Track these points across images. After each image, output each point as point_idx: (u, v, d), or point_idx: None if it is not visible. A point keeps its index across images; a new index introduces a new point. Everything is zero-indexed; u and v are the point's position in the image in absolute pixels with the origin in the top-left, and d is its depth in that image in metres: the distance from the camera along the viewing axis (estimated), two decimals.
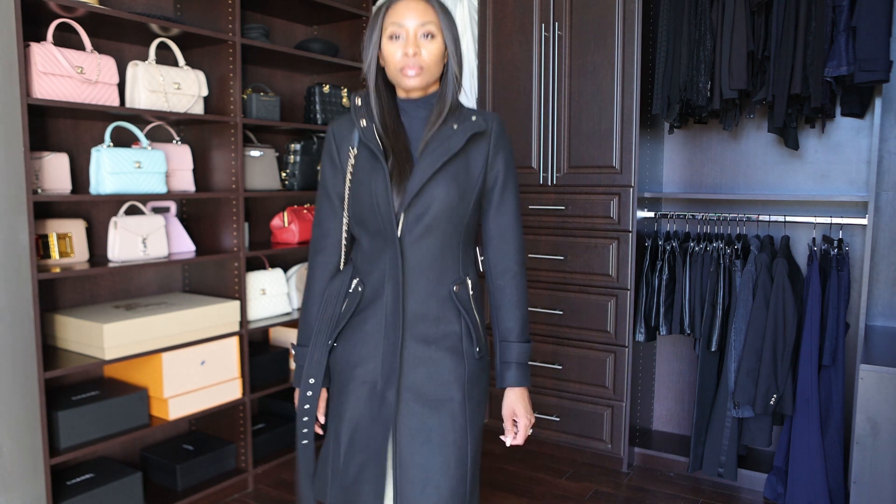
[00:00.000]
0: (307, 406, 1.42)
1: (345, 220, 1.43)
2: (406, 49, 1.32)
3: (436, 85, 1.41)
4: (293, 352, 1.49)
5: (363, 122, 1.37)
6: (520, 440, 1.44)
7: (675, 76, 2.70)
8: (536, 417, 3.06)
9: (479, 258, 1.49)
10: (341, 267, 1.46)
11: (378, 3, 1.42)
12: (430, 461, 1.34)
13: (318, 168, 3.02)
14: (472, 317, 1.39)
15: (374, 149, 1.34)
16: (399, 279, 1.34)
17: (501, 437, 1.46)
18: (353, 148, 1.39)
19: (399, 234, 1.33)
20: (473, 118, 1.38)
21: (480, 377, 1.42)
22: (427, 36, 1.33)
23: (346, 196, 1.40)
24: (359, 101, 1.41)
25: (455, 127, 1.36)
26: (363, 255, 1.41)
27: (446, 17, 1.37)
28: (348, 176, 1.39)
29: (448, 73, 1.38)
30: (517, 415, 1.43)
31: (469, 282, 1.40)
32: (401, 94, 1.41)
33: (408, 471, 1.34)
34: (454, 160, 1.35)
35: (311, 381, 1.42)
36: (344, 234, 1.44)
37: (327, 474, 1.43)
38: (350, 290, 1.41)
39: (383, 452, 1.36)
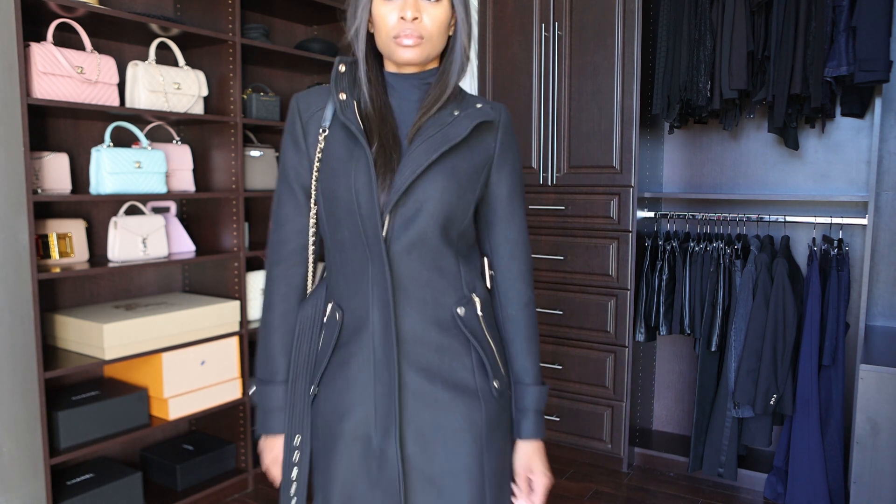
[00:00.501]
0: (297, 471, 1.12)
1: (312, 220, 1.13)
2: (404, 12, 1.02)
3: (436, 61, 1.11)
4: (252, 388, 1.17)
5: (342, 96, 1.07)
6: (538, 503, 1.16)
7: (675, 76, 2.70)
8: None
9: (489, 272, 1.18)
10: (308, 281, 1.16)
11: None
12: None
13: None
14: (484, 344, 1.11)
15: (355, 130, 1.04)
16: (389, 301, 1.05)
17: (513, 500, 1.18)
18: (324, 129, 1.09)
19: (384, 243, 1.04)
20: (479, 105, 1.10)
21: (501, 419, 1.13)
22: None
23: (314, 190, 1.10)
24: (342, 68, 1.11)
25: (456, 113, 1.08)
26: (338, 271, 1.11)
27: None
28: (316, 164, 1.09)
29: (455, 47, 1.09)
30: (533, 472, 1.16)
31: (477, 300, 1.12)
32: (390, 67, 1.11)
33: None
34: (453, 152, 1.06)
35: (297, 439, 1.12)
36: (311, 239, 1.14)
37: None
38: (325, 320, 1.12)
39: None
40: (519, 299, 1.16)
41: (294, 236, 1.14)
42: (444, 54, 1.11)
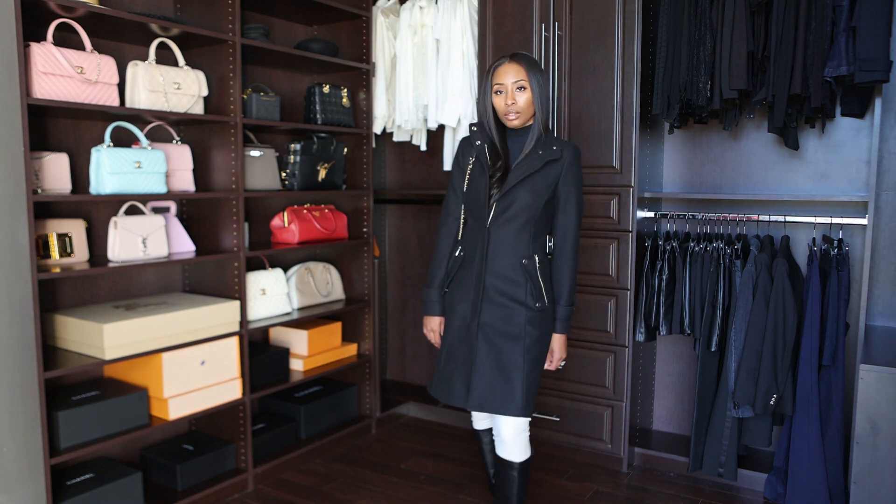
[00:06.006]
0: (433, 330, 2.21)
1: (462, 206, 2.12)
2: (506, 101, 1.98)
3: (531, 118, 2.04)
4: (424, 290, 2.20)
5: (478, 143, 2.07)
6: (552, 366, 2.12)
7: (675, 76, 2.70)
8: (537, 417, 3.06)
9: (549, 244, 2.12)
10: (458, 235, 2.14)
11: (488, 66, 2.10)
12: (494, 371, 2.02)
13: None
14: (535, 282, 2.02)
15: (483, 162, 2.05)
16: (485, 250, 2.02)
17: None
18: (472, 158, 2.09)
19: (489, 220, 2.01)
20: (554, 147, 2.00)
21: (540, 321, 2.04)
22: (520, 89, 1.98)
23: (464, 189, 2.09)
24: (475, 128, 2.10)
25: (540, 153, 2.00)
26: (467, 232, 2.10)
27: (534, 71, 1.98)
28: (466, 176, 2.09)
29: (535, 115, 2.01)
30: (553, 350, 2.11)
31: (536, 258, 2.02)
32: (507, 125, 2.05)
33: (480, 376, 2.03)
34: (533, 175, 1.99)
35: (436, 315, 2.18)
36: (462, 215, 2.12)
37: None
38: (456, 255, 2.12)
39: (469, 363, 2.05)
40: (562, 257, 2.07)
41: (452, 213, 2.15)
42: (535, 115, 2.03)
